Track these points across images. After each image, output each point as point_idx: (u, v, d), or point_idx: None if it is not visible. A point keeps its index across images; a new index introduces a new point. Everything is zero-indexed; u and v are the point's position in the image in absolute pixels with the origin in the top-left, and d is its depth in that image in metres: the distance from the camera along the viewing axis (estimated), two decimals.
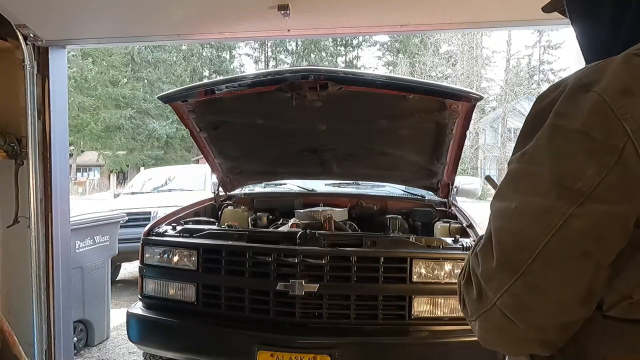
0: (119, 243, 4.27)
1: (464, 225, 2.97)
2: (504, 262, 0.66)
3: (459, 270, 0.96)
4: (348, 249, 2.45)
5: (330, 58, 38.49)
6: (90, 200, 20.90)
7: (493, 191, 0.79)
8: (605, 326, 0.66)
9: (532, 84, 35.58)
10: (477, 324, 0.73)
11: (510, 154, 0.73)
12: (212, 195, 3.89)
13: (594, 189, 0.61)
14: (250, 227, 3.30)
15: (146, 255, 2.74)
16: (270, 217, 3.44)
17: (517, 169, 0.70)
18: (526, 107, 31.91)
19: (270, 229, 3.15)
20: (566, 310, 0.65)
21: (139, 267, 2.78)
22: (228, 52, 38.23)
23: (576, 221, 0.62)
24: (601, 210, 0.61)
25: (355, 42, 38.89)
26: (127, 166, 30.35)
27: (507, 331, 0.69)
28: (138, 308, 2.71)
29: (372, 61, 40.59)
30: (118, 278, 6.56)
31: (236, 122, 3.24)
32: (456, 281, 0.82)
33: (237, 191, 4.02)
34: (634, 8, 0.75)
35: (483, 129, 30.80)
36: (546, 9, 1.00)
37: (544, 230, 0.63)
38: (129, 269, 6.97)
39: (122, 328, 3.78)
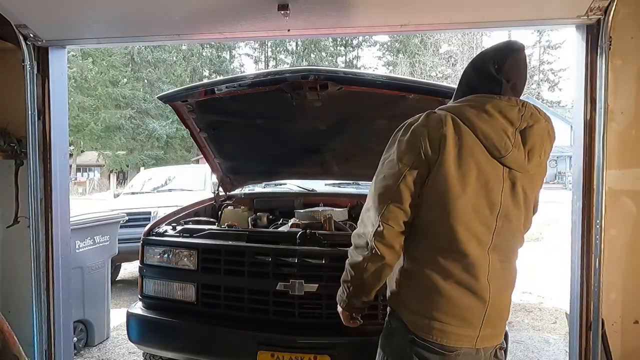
0: (119, 243, 4.27)
1: None
2: (380, 199, 1.41)
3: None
4: (348, 249, 2.44)
5: (330, 58, 38.51)
6: (90, 200, 20.92)
7: None
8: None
9: (532, 84, 35.60)
10: (374, 240, 1.41)
11: None
12: (212, 195, 3.89)
13: (412, 164, 1.38)
14: (250, 227, 3.29)
15: (146, 255, 2.74)
16: (270, 217, 3.44)
17: (383, 159, 1.46)
18: None
19: (270, 229, 3.15)
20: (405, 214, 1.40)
21: (139, 267, 2.78)
22: (228, 52, 38.25)
23: (408, 176, 1.38)
24: (413, 172, 1.38)
25: (355, 42, 38.94)
26: (127, 166, 30.35)
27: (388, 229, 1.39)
28: (138, 308, 2.71)
29: (372, 61, 40.68)
30: (118, 278, 6.56)
31: (236, 122, 3.24)
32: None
33: (237, 191, 4.02)
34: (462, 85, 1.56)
35: None
36: None
37: (396, 182, 1.39)
38: (129, 269, 6.97)
39: (122, 328, 3.78)
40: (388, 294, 1.52)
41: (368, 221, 1.44)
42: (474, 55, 1.63)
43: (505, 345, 1.51)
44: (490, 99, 1.39)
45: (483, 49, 1.56)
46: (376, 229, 1.40)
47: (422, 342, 1.37)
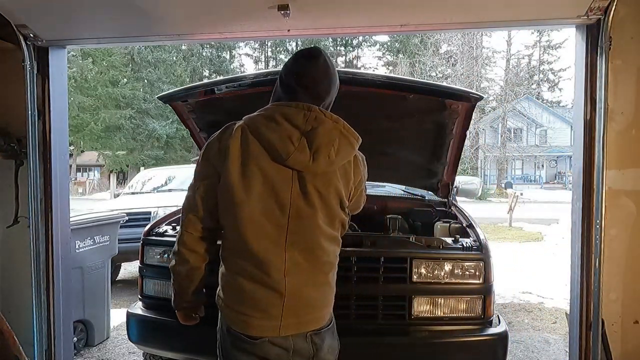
0: (119, 243, 4.27)
1: (464, 225, 2.97)
2: (183, 210, 1.62)
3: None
4: (348, 249, 2.45)
5: (330, 58, 38.46)
6: (90, 200, 20.92)
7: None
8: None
9: (532, 84, 35.59)
10: (179, 246, 1.63)
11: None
12: None
13: (205, 175, 1.56)
14: None
15: (146, 255, 2.73)
16: None
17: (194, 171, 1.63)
18: (526, 107, 31.95)
19: None
20: (200, 220, 1.59)
21: (139, 267, 2.78)
22: (228, 52, 38.24)
23: (201, 187, 1.56)
24: (205, 182, 1.55)
25: (355, 42, 38.92)
26: (127, 166, 30.36)
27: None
28: (138, 308, 2.71)
29: (372, 61, 40.63)
30: (118, 278, 6.56)
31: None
32: None
33: None
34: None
35: (483, 129, 30.82)
36: None
37: (193, 193, 1.58)
38: (129, 269, 6.97)
39: (122, 328, 3.78)
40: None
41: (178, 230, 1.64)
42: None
43: (326, 327, 1.58)
44: (280, 107, 1.52)
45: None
46: (180, 236, 1.61)
47: (234, 333, 1.53)
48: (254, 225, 1.47)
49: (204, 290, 1.70)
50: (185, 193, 1.65)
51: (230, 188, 1.47)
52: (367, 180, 1.77)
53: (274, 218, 1.47)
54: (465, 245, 2.47)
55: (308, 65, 1.56)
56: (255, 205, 1.46)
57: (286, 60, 1.87)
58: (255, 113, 1.59)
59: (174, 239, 2.68)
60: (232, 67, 37.98)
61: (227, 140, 1.51)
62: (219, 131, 1.58)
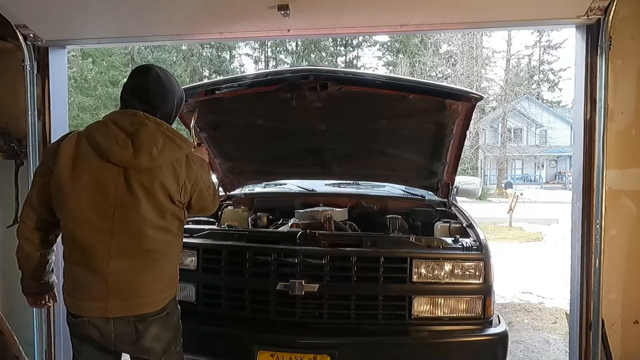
0: None
1: (464, 225, 2.97)
2: (25, 200, 1.84)
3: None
4: (348, 249, 2.45)
5: (330, 58, 38.49)
6: None
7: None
8: None
9: (532, 84, 35.58)
10: (17, 235, 1.82)
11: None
12: None
13: (40, 174, 1.77)
14: (250, 227, 3.29)
15: None
16: (270, 217, 3.44)
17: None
18: (526, 107, 31.96)
19: (270, 229, 3.15)
20: (34, 212, 1.80)
21: None
22: (228, 52, 38.23)
23: (37, 183, 1.76)
24: (40, 180, 1.75)
25: (355, 42, 38.88)
26: None
27: None
28: None
29: (372, 61, 40.58)
30: None
31: (236, 122, 3.24)
32: None
33: (237, 191, 4.02)
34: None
35: (483, 129, 30.80)
36: None
37: (32, 189, 1.80)
38: None
39: None
40: None
41: None
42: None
43: (155, 315, 1.72)
44: (112, 114, 1.75)
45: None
46: (17, 227, 1.81)
47: (69, 314, 1.74)
48: (79, 216, 1.66)
49: (48, 278, 1.88)
50: None
51: (58, 184, 1.67)
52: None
53: (101, 209, 1.65)
54: (465, 245, 2.47)
55: (140, 79, 1.77)
56: (81, 198, 1.65)
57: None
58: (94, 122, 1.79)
59: None
60: (232, 67, 37.94)
61: (60, 144, 1.71)
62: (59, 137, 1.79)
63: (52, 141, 2.82)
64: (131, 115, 1.69)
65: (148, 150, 1.64)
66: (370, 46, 40.16)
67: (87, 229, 1.66)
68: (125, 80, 1.89)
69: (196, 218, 3.35)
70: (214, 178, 3.90)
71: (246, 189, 4.13)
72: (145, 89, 1.76)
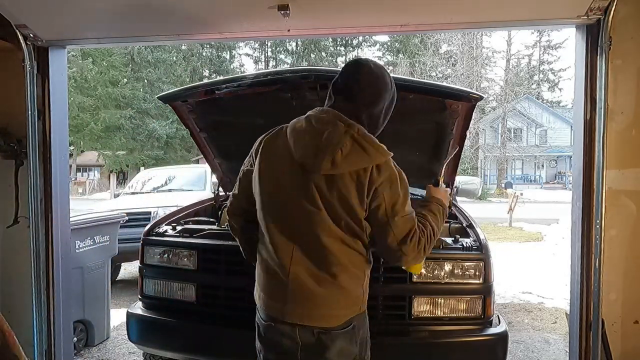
0: (119, 243, 4.27)
1: (464, 225, 2.97)
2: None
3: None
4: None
5: (330, 58, 38.48)
6: (90, 200, 20.92)
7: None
8: None
9: (532, 84, 35.60)
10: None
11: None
12: (212, 195, 3.88)
13: (245, 163, 1.77)
14: None
15: (146, 255, 2.73)
16: None
17: None
18: (526, 107, 31.95)
19: None
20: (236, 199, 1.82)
21: (139, 267, 2.78)
22: (228, 52, 38.24)
23: (241, 171, 1.77)
24: (244, 168, 1.77)
25: (355, 42, 38.90)
26: (127, 166, 30.36)
27: None
28: (138, 308, 2.71)
29: None
30: (118, 278, 6.56)
31: (236, 122, 3.24)
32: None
33: None
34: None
35: (483, 129, 30.81)
36: None
37: (239, 174, 1.81)
38: (129, 269, 6.97)
39: (122, 328, 3.78)
40: None
41: None
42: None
43: (340, 329, 1.56)
44: (309, 112, 1.62)
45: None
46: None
47: (257, 312, 1.67)
48: (268, 216, 1.60)
49: None
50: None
51: (254, 179, 1.64)
52: None
53: (281, 212, 1.58)
54: (465, 245, 2.47)
55: (350, 73, 1.63)
56: (267, 198, 1.60)
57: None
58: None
59: (173, 239, 2.71)
60: (232, 67, 37.97)
61: (264, 138, 1.70)
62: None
63: (52, 141, 2.82)
64: (323, 114, 1.58)
65: (331, 154, 1.48)
66: (370, 46, 40.17)
67: (272, 227, 1.58)
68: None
69: (196, 218, 3.35)
70: (215, 178, 3.90)
71: None
72: (352, 85, 1.60)
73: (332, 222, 1.52)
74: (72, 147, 28.11)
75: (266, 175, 1.61)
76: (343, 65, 1.70)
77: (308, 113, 1.62)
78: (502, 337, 2.40)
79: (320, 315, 1.55)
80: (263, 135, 1.72)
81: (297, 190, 1.54)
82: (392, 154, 1.58)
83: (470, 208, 3.59)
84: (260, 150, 1.66)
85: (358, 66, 1.64)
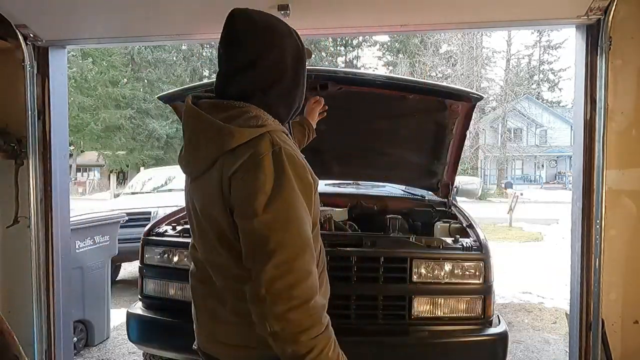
0: (119, 243, 4.27)
1: (464, 225, 2.97)
2: None
3: None
4: (348, 249, 2.45)
5: (330, 58, 38.47)
6: (90, 200, 20.92)
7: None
8: None
9: (532, 84, 35.60)
10: None
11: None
12: None
13: None
14: None
15: (146, 255, 2.73)
16: None
17: None
18: (526, 107, 31.96)
19: None
20: None
21: (139, 267, 2.78)
22: None
23: None
24: None
25: (355, 42, 38.88)
26: (127, 166, 30.35)
27: None
28: (138, 308, 2.71)
29: (372, 61, 40.59)
30: (118, 278, 6.56)
31: None
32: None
33: None
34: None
35: (483, 129, 30.79)
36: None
37: None
38: (129, 269, 6.97)
39: (122, 328, 3.78)
40: None
41: None
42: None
43: None
44: None
45: None
46: None
47: None
48: None
49: None
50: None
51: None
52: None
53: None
54: (465, 245, 2.47)
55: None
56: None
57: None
58: None
59: (173, 239, 2.71)
60: None
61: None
62: None
63: (52, 141, 2.82)
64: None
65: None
66: (370, 46, 40.15)
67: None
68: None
69: None
70: None
71: None
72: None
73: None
74: (72, 147, 28.09)
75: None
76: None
77: None
78: (502, 337, 2.40)
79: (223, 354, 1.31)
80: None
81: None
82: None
83: (470, 208, 3.59)
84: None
85: (232, 16, 1.22)
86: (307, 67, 1.29)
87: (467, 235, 2.74)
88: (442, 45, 30.20)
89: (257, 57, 1.18)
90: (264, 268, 1.05)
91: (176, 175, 7.98)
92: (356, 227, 3.19)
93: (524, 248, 9.78)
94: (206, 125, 1.16)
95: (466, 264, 2.42)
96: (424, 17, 2.49)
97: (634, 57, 2.29)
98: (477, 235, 2.61)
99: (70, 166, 27.61)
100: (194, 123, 1.21)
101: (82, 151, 31.56)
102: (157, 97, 3.22)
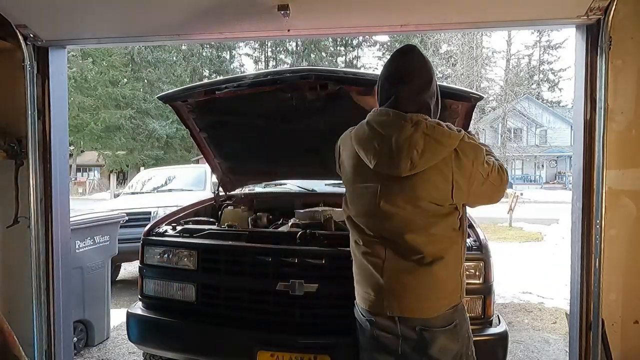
0: (119, 243, 4.27)
1: None
2: None
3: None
4: (348, 249, 2.44)
5: (330, 58, 38.49)
6: (90, 200, 20.93)
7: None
8: None
9: (532, 84, 35.62)
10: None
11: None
12: (212, 195, 3.89)
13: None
14: (250, 227, 3.29)
15: (146, 255, 2.73)
16: (270, 217, 3.44)
17: None
18: (526, 107, 31.96)
19: (270, 229, 3.15)
20: None
21: (139, 267, 2.78)
22: (228, 52, 38.25)
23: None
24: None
25: (355, 42, 38.91)
26: (127, 166, 30.36)
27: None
28: (138, 308, 2.71)
29: (372, 61, 40.60)
30: (118, 278, 6.56)
31: (236, 122, 3.24)
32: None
33: (237, 191, 4.02)
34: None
35: (483, 129, 30.78)
36: None
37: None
38: (129, 269, 6.98)
39: (122, 328, 3.78)
40: None
41: None
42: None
43: (441, 327, 1.63)
44: (372, 115, 1.67)
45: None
46: None
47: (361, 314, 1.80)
48: (358, 217, 1.70)
49: None
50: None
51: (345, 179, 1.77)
52: None
53: (367, 214, 1.67)
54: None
55: (402, 61, 1.68)
56: (351, 199, 1.73)
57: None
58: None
59: (174, 239, 2.71)
60: (232, 67, 37.98)
61: (341, 140, 1.79)
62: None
63: (52, 141, 2.82)
64: (390, 117, 1.60)
65: (408, 156, 1.53)
66: (370, 46, 40.19)
67: (361, 228, 1.71)
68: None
69: (196, 218, 3.35)
70: (215, 178, 3.90)
71: (246, 189, 4.13)
72: (405, 73, 1.66)
73: (417, 219, 1.59)
74: (72, 147, 28.12)
75: (346, 178, 1.74)
76: (390, 56, 1.75)
77: (367, 118, 1.66)
78: (502, 337, 2.40)
79: (412, 308, 1.63)
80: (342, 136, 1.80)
81: (376, 193, 1.62)
82: (463, 132, 1.61)
83: (470, 208, 3.59)
84: (340, 153, 1.79)
85: (406, 53, 1.69)
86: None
87: (467, 235, 2.73)
88: (442, 45, 30.22)
89: (429, 81, 1.68)
90: None
91: (176, 175, 7.99)
92: None
93: (524, 248, 9.78)
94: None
95: (466, 264, 2.41)
96: (424, 17, 2.49)
97: (634, 57, 2.29)
98: (477, 235, 2.61)
99: (70, 166, 27.61)
100: None
101: (82, 151, 31.59)
102: (157, 97, 3.22)
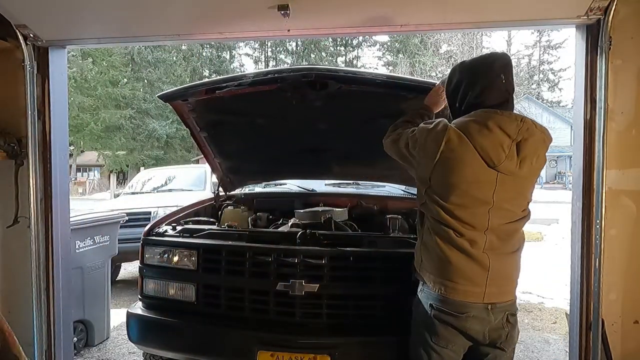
0: (119, 243, 4.27)
1: None
2: None
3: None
4: (348, 248, 2.44)
5: (330, 58, 38.49)
6: (90, 200, 20.93)
7: None
8: None
9: (532, 84, 35.61)
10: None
11: None
12: (212, 195, 3.89)
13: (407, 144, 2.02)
14: (250, 227, 3.29)
15: (146, 255, 2.73)
16: (270, 217, 3.44)
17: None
18: (526, 107, 31.94)
19: (271, 229, 3.15)
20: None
21: (139, 267, 2.78)
22: (228, 52, 38.26)
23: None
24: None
25: (355, 42, 38.93)
26: (127, 166, 30.35)
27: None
28: (138, 308, 2.71)
29: (372, 61, 40.61)
30: (118, 278, 6.56)
31: (236, 122, 3.24)
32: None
33: (237, 191, 4.01)
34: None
35: None
36: None
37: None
38: (129, 269, 6.97)
39: (122, 328, 3.78)
40: None
41: None
42: (474, 55, 1.78)
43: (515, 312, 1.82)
44: (491, 115, 1.70)
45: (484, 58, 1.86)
46: None
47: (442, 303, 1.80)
48: (457, 205, 1.75)
49: None
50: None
51: (443, 169, 1.76)
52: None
53: (477, 205, 1.73)
54: None
55: (509, 69, 1.80)
56: (460, 196, 1.73)
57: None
58: (463, 118, 1.77)
59: (173, 239, 2.71)
60: (232, 67, 37.99)
61: (439, 135, 1.75)
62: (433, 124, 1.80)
63: (52, 141, 2.82)
64: (518, 121, 1.70)
65: (531, 160, 1.70)
66: (370, 46, 40.20)
67: (461, 220, 1.75)
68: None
69: (196, 218, 3.35)
70: (215, 178, 3.90)
71: (246, 189, 4.13)
72: (507, 75, 1.78)
73: (520, 212, 1.78)
74: (72, 147, 28.11)
75: (450, 171, 1.74)
76: (481, 55, 1.88)
77: (492, 119, 1.69)
78: None
79: (509, 292, 1.80)
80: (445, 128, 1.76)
81: (493, 192, 1.71)
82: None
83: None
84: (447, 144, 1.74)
85: (503, 59, 1.82)
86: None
87: None
88: (442, 45, 30.22)
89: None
90: None
91: (176, 175, 7.99)
92: (356, 227, 3.19)
93: (524, 248, 9.76)
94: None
95: None
96: (424, 17, 2.49)
97: (634, 57, 2.29)
98: None
99: (70, 166, 27.62)
100: None
101: (82, 151, 31.59)
102: (158, 96, 3.22)
